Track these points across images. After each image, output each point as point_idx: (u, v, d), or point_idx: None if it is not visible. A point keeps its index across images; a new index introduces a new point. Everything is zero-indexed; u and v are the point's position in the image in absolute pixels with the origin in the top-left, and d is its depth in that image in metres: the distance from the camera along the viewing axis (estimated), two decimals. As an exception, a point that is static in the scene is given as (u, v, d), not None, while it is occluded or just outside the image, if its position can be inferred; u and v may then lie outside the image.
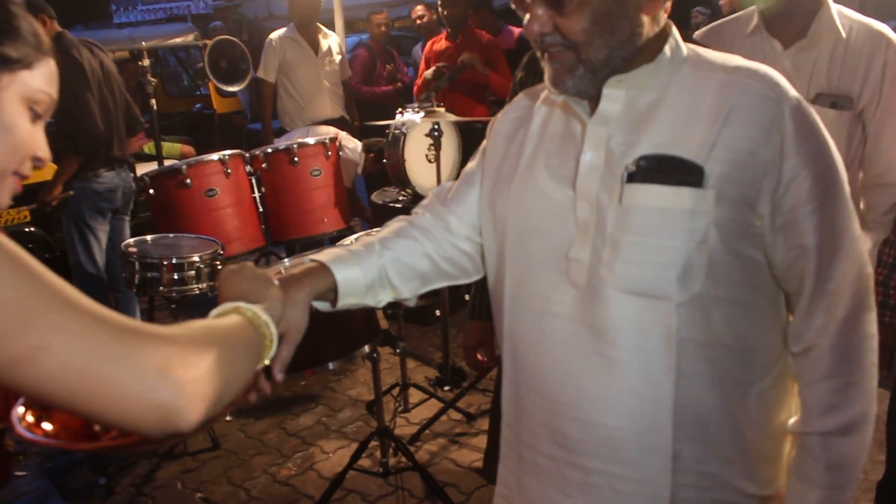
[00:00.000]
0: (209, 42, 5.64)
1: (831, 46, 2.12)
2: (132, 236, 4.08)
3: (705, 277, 1.20)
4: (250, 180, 4.36)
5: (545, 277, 1.32)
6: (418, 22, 6.36)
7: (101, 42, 5.11)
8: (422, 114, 3.19)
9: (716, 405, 1.25)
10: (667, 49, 1.29)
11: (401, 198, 4.56)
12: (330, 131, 5.26)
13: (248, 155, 4.38)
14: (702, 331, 1.22)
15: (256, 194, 4.37)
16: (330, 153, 4.46)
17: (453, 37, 5.25)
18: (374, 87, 6.75)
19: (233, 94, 6.31)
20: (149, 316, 5.29)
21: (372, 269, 1.42)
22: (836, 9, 2.15)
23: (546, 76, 1.30)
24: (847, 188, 1.25)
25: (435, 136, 3.09)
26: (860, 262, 1.25)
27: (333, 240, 4.67)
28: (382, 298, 1.46)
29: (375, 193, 4.80)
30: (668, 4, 1.29)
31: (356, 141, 5.42)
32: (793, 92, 1.24)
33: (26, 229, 5.37)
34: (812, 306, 1.24)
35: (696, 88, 1.26)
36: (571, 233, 1.29)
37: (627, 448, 1.26)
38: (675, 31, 1.32)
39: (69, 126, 4.00)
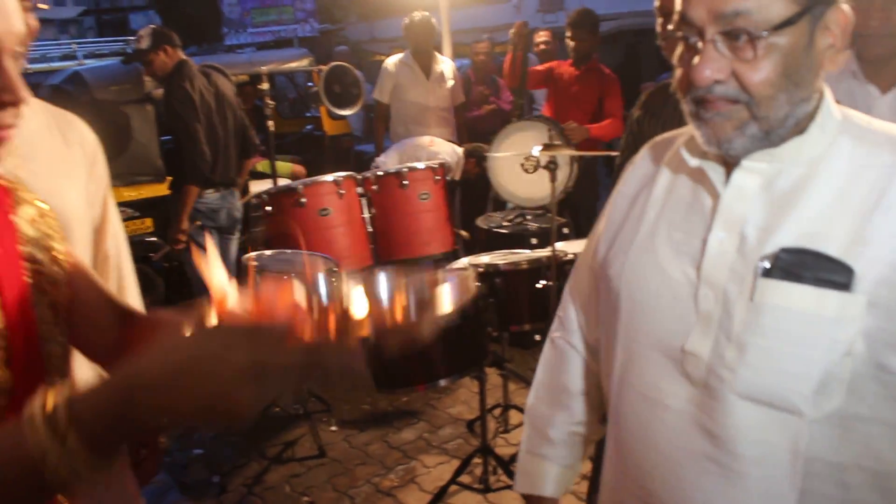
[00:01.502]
0: (324, 67, 5.90)
1: None
2: (249, 250, 4.31)
3: (846, 393, 1.05)
4: (361, 201, 4.54)
5: (657, 364, 1.19)
6: (541, 47, 6.45)
7: (222, 65, 5.45)
8: (538, 147, 3.29)
9: None
10: (820, 117, 1.12)
11: (505, 223, 4.68)
12: (424, 140, 5.43)
13: (360, 177, 4.57)
14: (836, 451, 1.07)
15: (366, 215, 4.55)
16: (438, 178, 4.61)
17: (577, 66, 5.37)
18: (467, 113, 6.94)
19: (343, 117, 6.57)
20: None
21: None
22: None
23: (702, 132, 1.12)
24: None
25: (552, 169, 3.20)
26: None
27: (438, 261, 4.82)
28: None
29: (481, 218, 4.93)
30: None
31: (454, 145, 5.56)
32: None
33: (148, 239, 5.72)
34: None
35: (854, 168, 1.09)
36: (690, 320, 1.15)
37: None
38: (828, 92, 1.15)
39: (178, 157, 4.30)
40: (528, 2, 27.18)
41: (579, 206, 5.01)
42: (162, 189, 5.00)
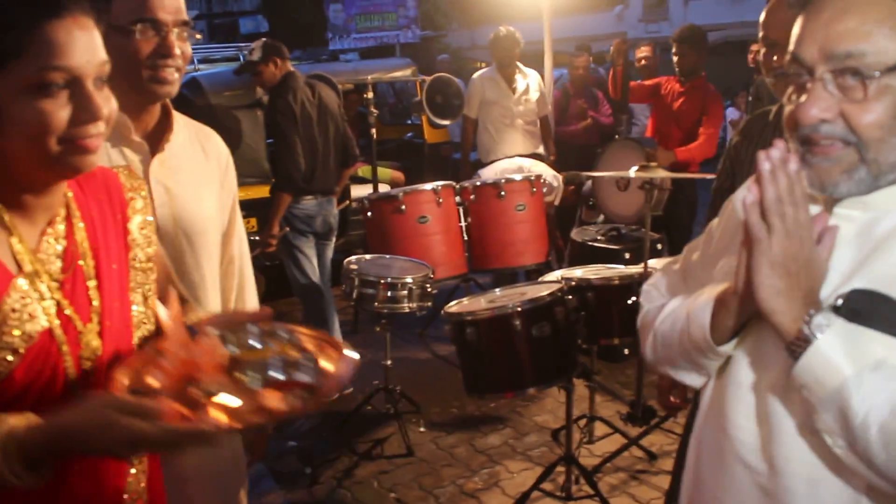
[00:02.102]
0: (427, 78, 6.08)
1: None
2: (348, 253, 4.48)
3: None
4: (458, 210, 4.67)
5: (741, 401, 1.19)
6: (642, 62, 6.48)
7: (329, 74, 5.66)
8: (635, 168, 3.36)
9: None
10: None
11: (599, 237, 4.73)
12: (525, 163, 5.53)
13: (458, 186, 4.70)
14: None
15: (463, 223, 4.68)
16: (535, 189, 4.70)
17: (683, 82, 5.38)
18: (564, 127, 7.00)
19: (444, 126, 6.73)
20: (354, 327, 5.75)
21: None
22: None
23: (807, 175, 1.09)
24: None
25: (647, 189, 3.25)
26: None
27: (530, 272, 4.91)
28: None
29: (575, 231, 4.99)
30: None
31: (554, 172, 5.65)
32: None
33: (251, 238, 5.98)
34: None
35: None
36: (780, 359, 1.11)
37: None
38: None
39: (275, 165, 4.52)
40: (631, 11, 26.95)
41: (675, 224, 5.01)
42: (267, 191, 5.24)
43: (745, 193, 1.30)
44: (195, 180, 1.85)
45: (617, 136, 6.01)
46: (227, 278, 2.00)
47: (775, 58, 2.11)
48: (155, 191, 1.76)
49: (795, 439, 1.12)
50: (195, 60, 11.27)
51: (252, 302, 2.05)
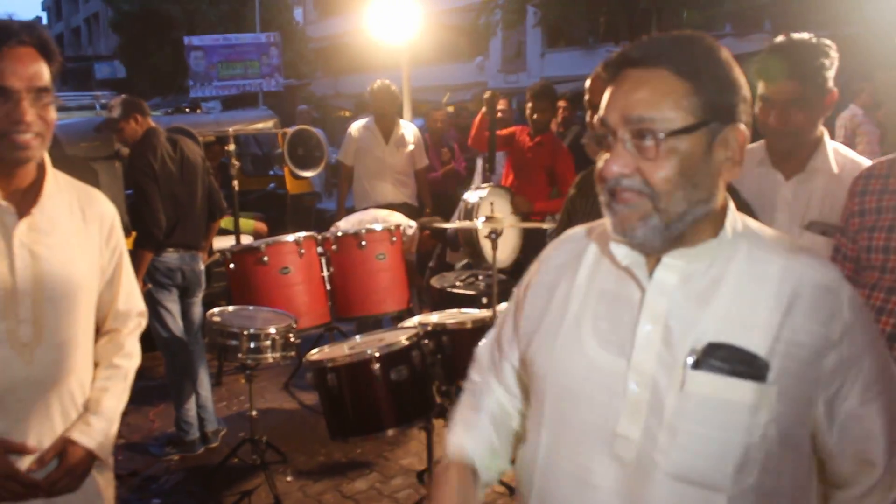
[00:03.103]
0: (288, 130, 6.19)
1: (825, 181, 2.38)
2: (212, 306, 4.48)
3: (759, 470, 1.20)
4: (321, 260, 4.77)
5: (587, 447, 1.29)
6: (498, 115, 6.78)
7: (189, 126, 5.67)
8: (482, 219, 3.58)
9: None
10: (728, 224, 1.28)
11: (457, 283, 4.93)
12: (381, 213, 5.65)
13: (320, 237, 4.80)
14: None
15: (325, 273, 4.78)
16: (395, 238, 4.87)
17: (533, 136, 5.69)
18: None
19: (306, 178, 6.83)
20: (217, 379, 5.70)
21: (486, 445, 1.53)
22: (832, 147, 2.43)
23: (611, 222, 1.26)
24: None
25: (493, 238, 3.48)
26: None
27: (394, 319, 5.05)
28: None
29: (434, 278, 5.17)
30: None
31: (409, 221, 5.78)
32: (845, 280, 1.28)
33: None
34: (880, 485, 1.29)
35: (757, 271, 1.25)
36: (618, 406, 1.26)
37: None
38: (731, 203, 1.31)
39: (136, 221, 4.50)
40: (491, 62, 27.93)
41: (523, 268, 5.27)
42: (127, 244, 5.18)
43: (551, 252, 1.51)
44: (67, 244, 1.88)
45: (489, 184, 6.28)
46: (113, 332, 2.06)
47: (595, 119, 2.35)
48: (18, 254, 1.78)
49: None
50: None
51: (132, 345, 2.12)
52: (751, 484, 1.20)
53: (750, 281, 1.24)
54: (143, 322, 2.15)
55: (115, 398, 1.99)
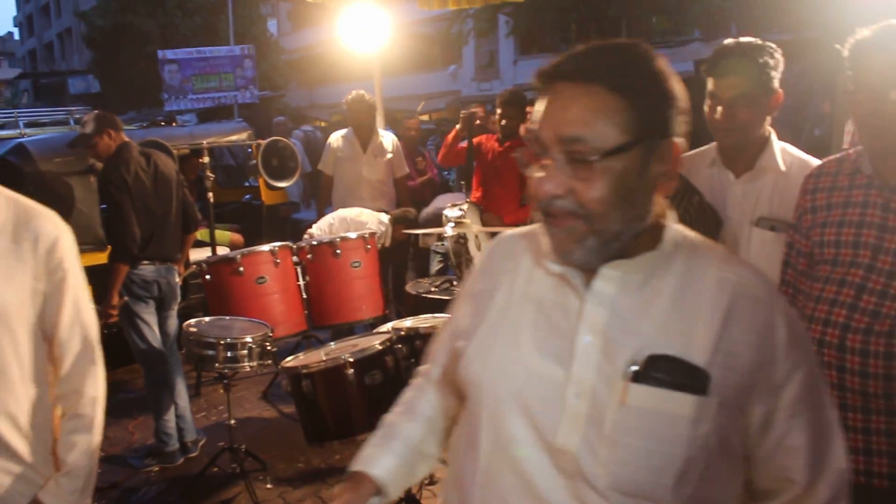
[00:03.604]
0: (262, 142, 6.25)
1: (774, 178, 2.49)
2: (188, 317, 4.52)
3: (699, 480, 1.20)
4: (296, 269, 4.84)
5: (528, 458, 1.26)
6: (477, 122, 6.87)
7: (164, 139, 5.71)
8: (452, 224, 3.66)
9: None
10: (666, 236, 1.27)
11: (433, 288, 5.01)
12: (353, 212, 5.72)
13: (295, 246, 4.87)
14: None
15: (301, 282, 4.84)
16: (370, 247, 4.94)
17: (502, 142, 5.78)
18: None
19: (281, 188, 6.89)
20: (196, 390, 5.74)
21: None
22: (780, 146, 2.53)
23: (549, 243, 1.24)
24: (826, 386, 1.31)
25: (461, 243, 3.56)
26: (843, 458, 1.30)
27: (370, 325, 5.12)
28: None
29: (410, 284, 5.25)
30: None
31: (381, 214, 5.80)
32: (779, 293, 1.30)
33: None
34: (803, 498, 1.28)
35: (695, 283, 1.25)
36: (557, 416, 1.23)
37: None
38: (671, 213, 1.31)
39: (110, 235, 4.54)
40: (464, 70, 28.09)
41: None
42: (102, 258, 5.19)
43: (489, 256, 1.48)
44: None
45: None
46: (58, 362, 1.96)
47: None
48: None
49: None
50: (21, 125, 10.89)
51: (91, 386, 1.99)
52: (689, 494, 1.20)
53: (688, 293, 1.24)
54: (91, 351, 1.98)
55: (83, 453, 1.93)
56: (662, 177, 1.23)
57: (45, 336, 1.93)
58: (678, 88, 1.24)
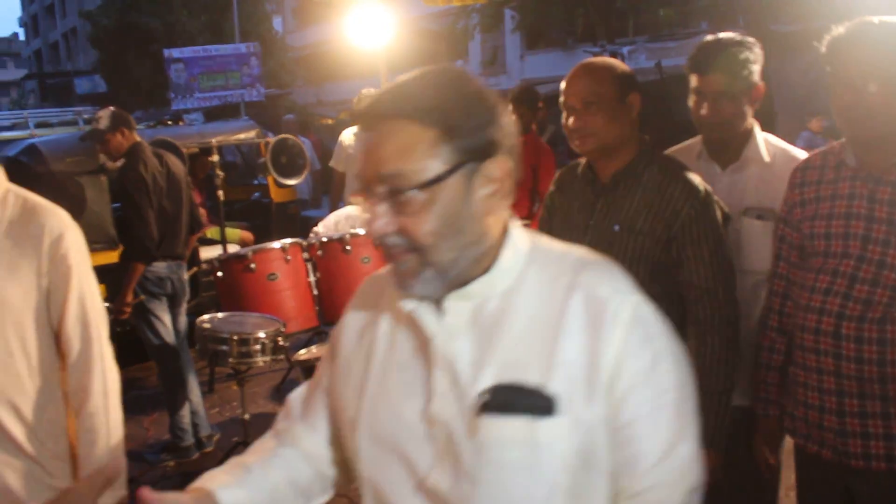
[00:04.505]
0: (271, 140, 6.29)
1: (759, 169, 2.55)
2: (200, 314, 4.57)
3: (569, 498, 1.17)
4: (307, 266, 4.87)
5: (408, 501, 1.24)
6: None
7: (173, 138, 5.75)
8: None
9: None
10: (506, 254, 1.23)
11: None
12: (353, 212, 5.76)
13: (305, 243, 4.90)
14: None
15: (312, 279, 4.87)
16: (378, 242, 4.96)
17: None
18: None
19: (290, 186, 6.93)
20: (209, 386, 5.78)
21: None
22: (763, 138, 2.59)
23: (394, 280, 1.23)
24: (681, 386, 1.24)
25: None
26: (690, 469, 1.25)
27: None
28: None
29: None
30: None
31: None
32: (632, 290, 1.23)
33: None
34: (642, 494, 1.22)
35: (542, 295, 1.22)
36: (429, 459, 1.22)
37: None
38: (515, 230, 1.26)
39: (126, 234, 4.59)
40: (470, 66, 28.10)
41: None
42: (113, 256, 5.23)
43: (359, 294, 1.43)
44: None
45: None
46: (65, 358, 1.96)
47: (571, 119, 2.43)
48: None
49: None
50: (31, 126, 10.93)
51: (99, 381, 1.99)
52: None
53: (536, 308, 1.21)
54: (98, 346, 1.98)
55: (102, 448, 1.94)
56: (492, 198, 1.20)
57: (53, 331, 1.93)
58: (499, 106, 1.22)
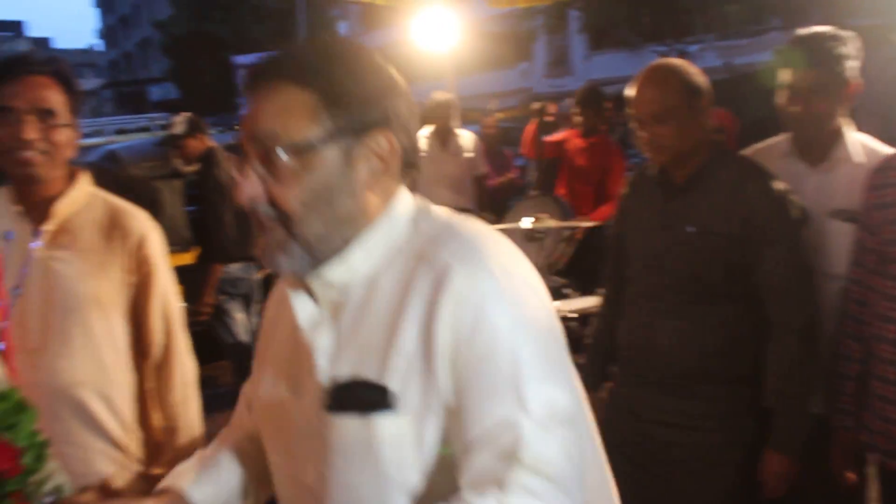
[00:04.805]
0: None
1: (849, 169, 2.40)
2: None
3: (426, 496, 1.09)
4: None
5: (286, 495, 1.22)
6: (550, 118, 6.82)
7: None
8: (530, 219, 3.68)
9: None
10: (372, 235, 1.14)
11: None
12: None
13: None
14: None
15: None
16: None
17: (586, 136, 5.75)
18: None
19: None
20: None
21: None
22: (856, 138, 2.46)
23: (264, 255, 1.14)
24: (525, 358, 1.07)
25: (538, 238, 3.57)
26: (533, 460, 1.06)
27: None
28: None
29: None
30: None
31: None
32: (481, 258, 1.10)
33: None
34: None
35: (402, 277, 1.11)
36: (305, 452, 1.16)
37: None
38: (401, 204, 1.18)
39: (205, 236, 4.71)
40: (535, 67, 27.95)
41: (581, 269, 5.31)
42: (188, 258, 5.36)
43: (279, 284, 1.31)
44: (83, 260, 1.91)
45: (533, 192, 6.35)
46: (147, 354, 2.01)
47: (641, 131, 2.36)
48: (33, 266, 1.85)
49: None
50: (109, 133, 11.35)
51: (179, 373, 2.05)
52: None
53: (393, 292, 1.10)
54: (178, 342, 2.04)
55: (184, 437, 2.00)
56: (374, 175, 1.13)
57: (137, 328, 1.99)
58: (394, 83, 1.16)
